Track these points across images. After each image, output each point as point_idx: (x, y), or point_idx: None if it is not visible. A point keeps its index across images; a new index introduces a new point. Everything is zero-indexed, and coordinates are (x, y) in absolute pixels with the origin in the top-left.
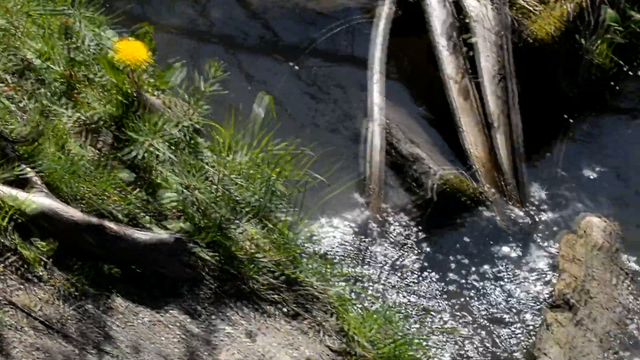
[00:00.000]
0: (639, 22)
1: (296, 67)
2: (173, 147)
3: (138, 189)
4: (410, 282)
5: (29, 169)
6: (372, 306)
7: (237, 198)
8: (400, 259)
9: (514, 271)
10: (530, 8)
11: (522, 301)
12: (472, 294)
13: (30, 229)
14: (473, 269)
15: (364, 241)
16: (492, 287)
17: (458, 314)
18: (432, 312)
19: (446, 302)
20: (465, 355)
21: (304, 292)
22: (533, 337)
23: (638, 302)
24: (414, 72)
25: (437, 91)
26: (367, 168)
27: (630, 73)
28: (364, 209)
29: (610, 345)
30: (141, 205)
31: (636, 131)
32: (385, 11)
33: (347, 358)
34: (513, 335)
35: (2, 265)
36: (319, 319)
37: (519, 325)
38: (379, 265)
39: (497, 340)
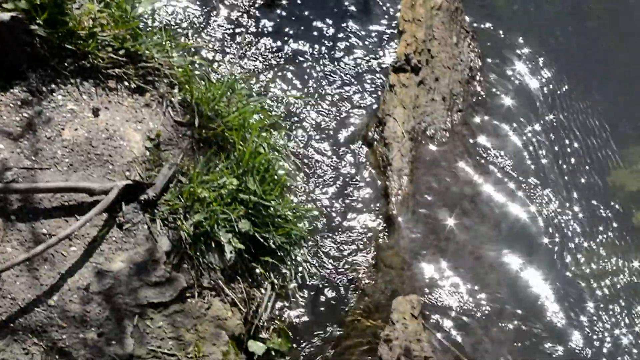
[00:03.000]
0: None
1: None
2: None
3: None
4: (253, 51)
5: None
6: (215, 77)
7: None
8: (241, 28)
9: (356, 35)
10: None
11: (365, 65)
12: (314, 61)
13: None
14: (314, 35)
15: (204, 12)
16: (335, 52)
17: (301, 80)
18: (277, 81)
19: (290, 71)
20: (313, 119)
21: (146, 66)
22: (379, 101)
23: (480, 60)
24: None
25: None
26: None
27: None
28: None
29: (453, 104)
30: None
31: None
32: None
33: (191, 129)
34: (359, 100)
35: None
36: (162, 91)
37: (363, 90)
38: (220, 35)
39: (344, 106)
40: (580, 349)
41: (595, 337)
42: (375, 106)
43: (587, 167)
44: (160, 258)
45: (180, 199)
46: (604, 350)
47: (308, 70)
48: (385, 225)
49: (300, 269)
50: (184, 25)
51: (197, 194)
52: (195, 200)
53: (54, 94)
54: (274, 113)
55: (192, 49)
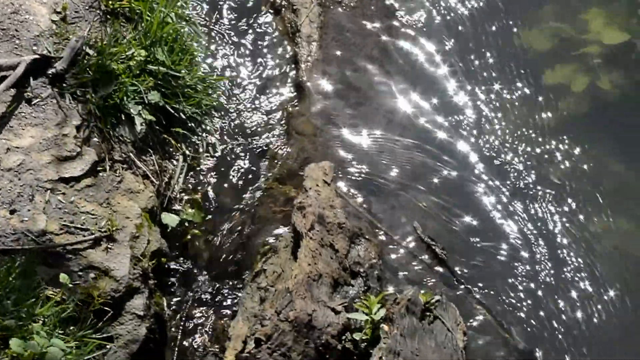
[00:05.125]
0: None
1: None
2: None
3: None
4: None
5: None
6: None
7: None
8: None
9: None
10: None
11: None
12: None
13: None
14: None
15: None
16: None
17: None
18: None
19: None
20: None
21: None
22: None
23: None
24: None
25: None
26: None
27: None
28: None
29: None
30: None
31: None
32: None
33: (98, 1)
34: None
35: None
36: None
37: None
38: None
39: None
40: (492, 202)
41: (503, 182)
42: None
43: (494, 28)
44: (70, 132)
45: (88, 72)
46: (516, 197)
47: None
48: (295, 92)
49: (211, 139)
50: None
51: (105, 67)
52: (104, 72)
53: None
54: None
55: None
